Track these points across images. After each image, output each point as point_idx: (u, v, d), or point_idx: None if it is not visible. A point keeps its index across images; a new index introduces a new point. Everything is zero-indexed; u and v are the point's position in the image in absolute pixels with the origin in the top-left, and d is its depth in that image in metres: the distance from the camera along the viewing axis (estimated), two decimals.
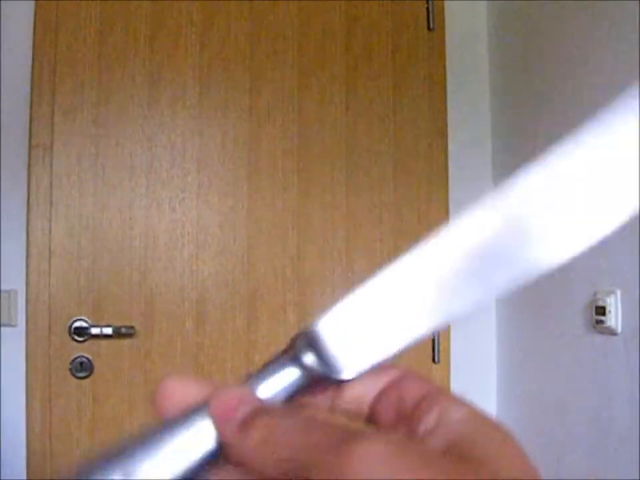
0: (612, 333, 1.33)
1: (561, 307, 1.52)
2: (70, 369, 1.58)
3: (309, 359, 0.25)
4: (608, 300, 1.33)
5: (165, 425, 0.24)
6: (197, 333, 1.65)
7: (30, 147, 1.59)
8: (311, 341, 0.25)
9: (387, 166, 1.78)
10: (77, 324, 1.59)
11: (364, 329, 0.26)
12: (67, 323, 1.59)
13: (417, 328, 0.26)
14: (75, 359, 1.59)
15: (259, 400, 0.25)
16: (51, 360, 1.57)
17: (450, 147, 1.82)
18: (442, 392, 0.25)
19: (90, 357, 1.59)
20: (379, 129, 1.78)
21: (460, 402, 0.24)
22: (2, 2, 1.61)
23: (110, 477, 0.23)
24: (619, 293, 1.32)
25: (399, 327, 0.26)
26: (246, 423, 0.24)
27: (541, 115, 1.63)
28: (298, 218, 1.72)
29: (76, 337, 1.59)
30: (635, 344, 1.26)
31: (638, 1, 1.26)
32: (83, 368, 1.58)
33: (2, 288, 1.58)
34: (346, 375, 0.25)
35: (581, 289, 1.43)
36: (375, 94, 1.78)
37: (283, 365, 0.25)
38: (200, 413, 0.24)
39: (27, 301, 1.57)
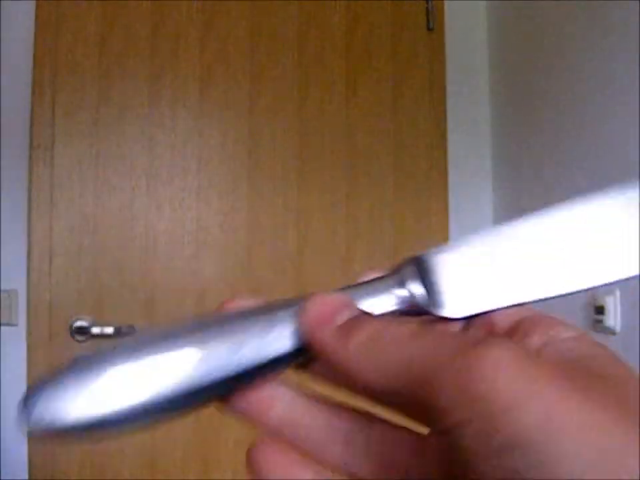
0: (611, 332, 1.33)
1: (559, 307, 1.52)
2: None
3: (416, 288, 0.23)
4: (607, 299, 1.33)
5: (242, 312, 0.23)
6: None
7: (31, 147, 1.60)
8: (419, 270, 0.24)
9: (387, 166, 1.78)
10: (78, 323, 1.59)
11: (479, 273, 0.24)
12: (68, 323, 1.59)
13: (528, 290, 0.23)
14: None
15: (361, 310, 0.22)
16: (51, 360, 1.57)
17: (450, 147, 1.83)
18: (543, 314, 0.23)
19: None
20: (378, 129, 1.78)
21: (566, 323, 0.22)
22: (2, 2, 1.61)
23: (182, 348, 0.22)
24: (617, 292, 1.32)
25: (514, 282, 0.23)
26: (347, 326, 0.21)
27: (541, 115, 1.63)
28: (298, 218, 1.72)
29: (77, 337, 1.59)
30: (634, 344, 1.26)
31: (638, 1, 1.26)
32: None
33: (3, 287, 1.58)
34: (449, 313, 0.23)
35: None
36: (375, 94, 1.79)
37: (386, 288, 0.23)
38: (284, 311, 0.22)
39: (28, 301, 1.58)
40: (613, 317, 1.32)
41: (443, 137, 1.82)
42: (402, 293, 0.23)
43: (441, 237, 1.80)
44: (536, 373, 0.17)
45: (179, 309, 1.65)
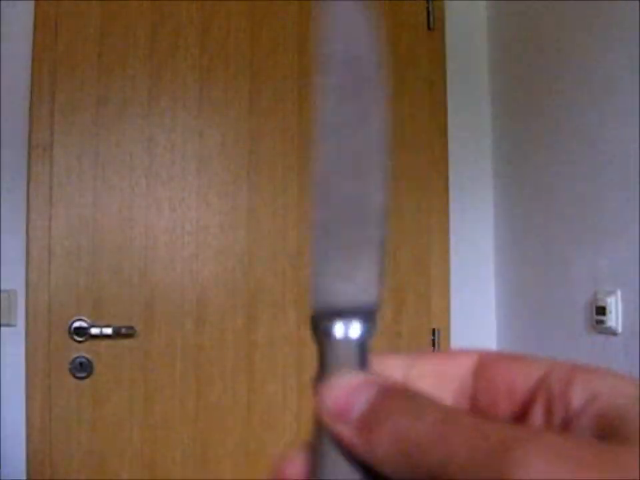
0: (612, 333, 1.33)
1: (561, 307, 1.52)
2: (70, 369, 1.58)
3: (344, 326, 0.23)
4: (608, 300, 1.33)
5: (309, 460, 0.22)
6: (197, 333, 1.65)
7: (30, 146, 1.59)
8: (331, 316, 0.23)
9: None
10: (77, 324, 1.59)
11: (344, 260, 0.23)
12: (67, 323, 1.59)
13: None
14: (75, 359, 1.58)
15: (367, 382, 0.21)
16: (50, 360, 1.57)
17: (450, 147, 1.82)
18: (567, 364, 0.21)
19: (90, 357, 1.59)
20: None
21: (601, 371, 0.21)
22: (2, 2, 1.61)
23: None
24: (619, 293, 1.32)
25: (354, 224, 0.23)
26: (366, 421, 0.20)
27: (541, 114, 1.63)
28: (297, 218, 1.72)
29: (76, 337, 1.58)
30: (635, 344, 1.26)
31: (638, 1, 1.25)
32: (82, 368, 1.58)
33: (2, 288, 1.58)
34: (376, 298, 0.23)
35: (581, 288, 1.43)
36: None
37: (339, 348, 0.23)
38: (321, 429, 0.21)
39: (27, 301, 1.57)
40: (615, 318, 1.32)
41: (443, 136, 1.82)
42: (341, 335, 0.23)
43: (441, 237, 1.80)
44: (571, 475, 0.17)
45: (179, 309, 1.65)
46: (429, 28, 1.83)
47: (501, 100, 1.84)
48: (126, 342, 1.61)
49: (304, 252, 1.72)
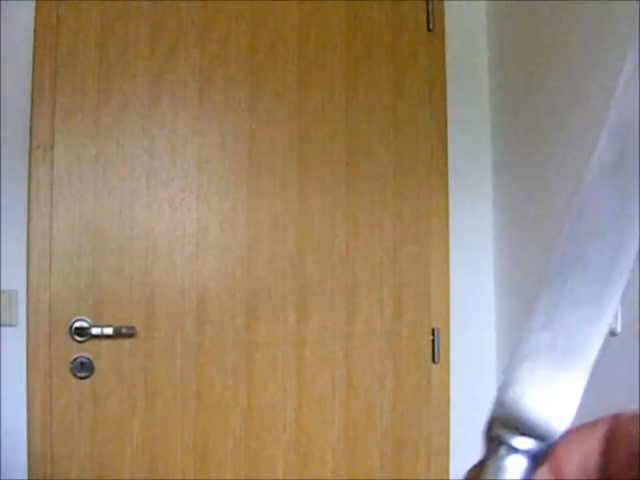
0: (611, 333, 1.33)
1: None
2: (70, 369, 1.58)
3: (522, 442, 0.21)
4: None
5: None
6: (197, 333, 1.65)
7: (31, 147, 1.60)
8: (509, 423, 0.21)
9: (387, 166, 1.78)
10: (78, 324, 1.59)
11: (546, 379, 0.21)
12: (68, 323, 1.59)
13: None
14: (76, 359, 1.59)
15: None
16: (51, 360, 1.58)
17: (450, 148, 1.82)
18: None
19: (90, 357, 1.60)
20: (378, 129, 1.78)
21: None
22: (2, 2, 1.61)
23: None
24: None
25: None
26: None
27: (541, 115, 1.63)
28: (298, 218, 1.72)
29: (76, 337, 1.59)
30: (634, 344, 1.26)
31: (638, 1, 1.26)
32: (83, 368, 1.59)
33: (2, 288, 1.58)
34: (558, 432, 0.21)
35: None
36: (375, 94, 1.79)
37: (505, 465, 0.21)
38: None
39: (28, 301, 1.57)
40: (613, 318, 1.32)
41: (443, 137, 1.82)
42: (520, 458, 0.21)
43: (441, 237, 1.80)
44: None
45: (179, 309, 1.65)
46: (428, 28, 1.83)
47: (500, 100, 1.84)
48: (126, 342, 1.62)
49: (304, 252, 1.72)
